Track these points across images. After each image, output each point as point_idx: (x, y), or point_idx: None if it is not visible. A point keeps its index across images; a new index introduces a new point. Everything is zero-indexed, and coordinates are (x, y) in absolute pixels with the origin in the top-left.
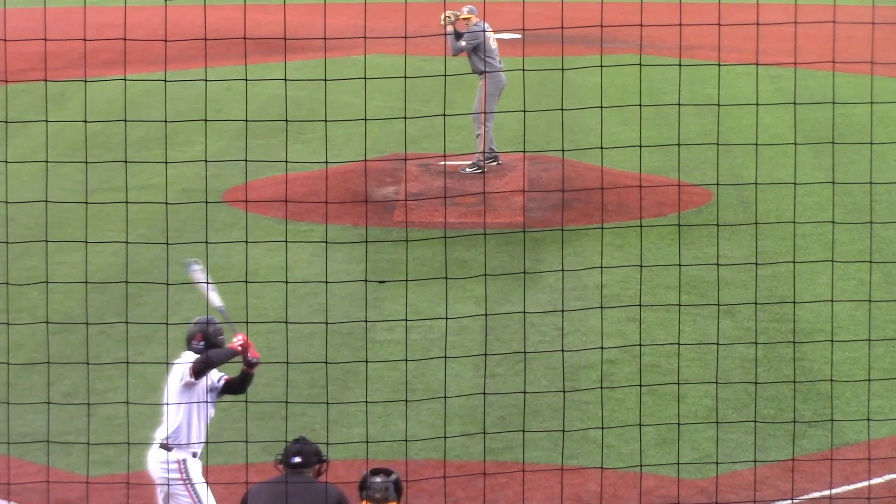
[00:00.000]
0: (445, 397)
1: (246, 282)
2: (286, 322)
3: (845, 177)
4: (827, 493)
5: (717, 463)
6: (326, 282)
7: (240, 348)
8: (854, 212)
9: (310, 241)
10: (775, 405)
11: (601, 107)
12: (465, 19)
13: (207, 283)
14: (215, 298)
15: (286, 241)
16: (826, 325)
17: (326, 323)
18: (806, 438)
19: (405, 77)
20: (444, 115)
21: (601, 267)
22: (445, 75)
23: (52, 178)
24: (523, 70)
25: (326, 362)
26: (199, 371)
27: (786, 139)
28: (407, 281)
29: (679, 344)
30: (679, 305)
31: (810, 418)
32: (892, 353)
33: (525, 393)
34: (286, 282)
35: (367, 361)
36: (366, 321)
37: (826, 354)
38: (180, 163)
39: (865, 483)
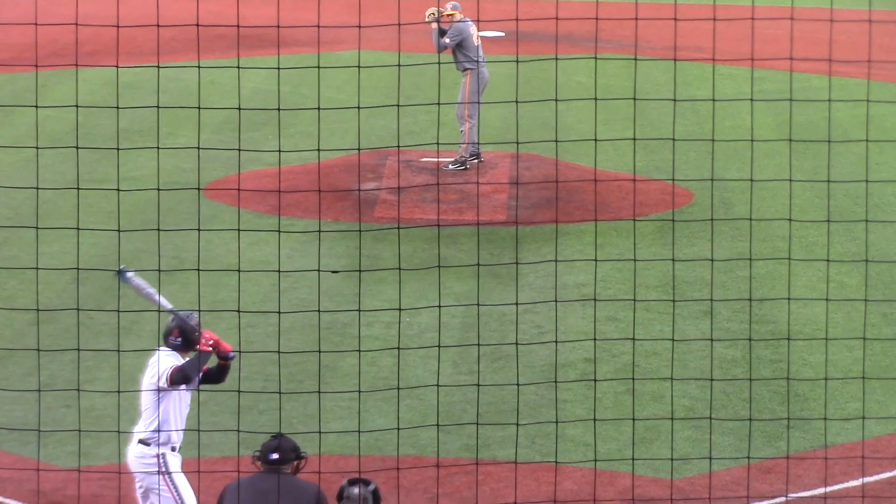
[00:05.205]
0: (411, 388)
1: (233, 272)
2: (245, 311)
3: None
4: (806, 493)
5: (685, 460)
6: (295, 272)
7: (210, 348)
8: (835, 214)
9: (291, 232)
10: (753, 406)
11: (567, 99)
12: (448, 15)
13: (149, 291)
14: (162, 301)
15: (248, 231)
16: (805, 327)
17: (286, 313)
18: (782, 440)
19: (380, 67)
20: (431, 104)
21: (567, 260)
22: (436, 64)
23: (32, 170)
24: (514, 62)
25: (301, 352)
26: (175, 382)
27: (769, 142)
28: (361, 272)
29: (643, 340)
30: (651, 300)
31: (787, 420)
32: (871, 355)
33: (499, 387)
34: (251, 271)
35: (339, 351)
36: (322, 311)
37: (804, 356)
38: (165, 149)
39: (843, 485)
